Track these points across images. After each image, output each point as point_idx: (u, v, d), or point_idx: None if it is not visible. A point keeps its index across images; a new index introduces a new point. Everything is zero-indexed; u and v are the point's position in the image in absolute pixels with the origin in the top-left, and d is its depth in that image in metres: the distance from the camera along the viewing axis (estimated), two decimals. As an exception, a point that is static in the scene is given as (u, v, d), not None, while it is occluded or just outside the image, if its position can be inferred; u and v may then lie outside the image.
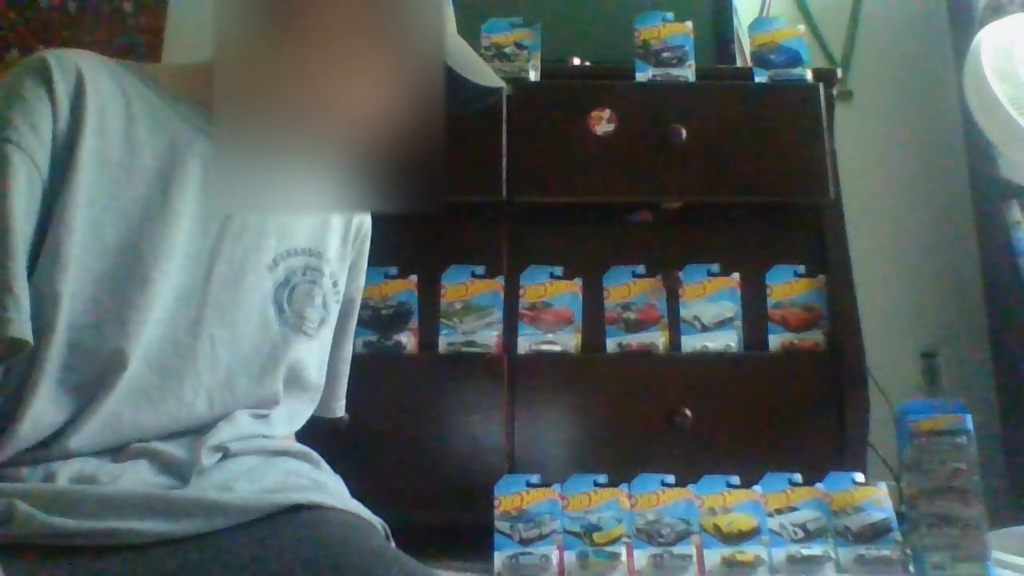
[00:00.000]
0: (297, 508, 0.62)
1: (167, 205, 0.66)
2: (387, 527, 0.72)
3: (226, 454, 0.68)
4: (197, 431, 0.67)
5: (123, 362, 0.62)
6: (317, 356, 0.80)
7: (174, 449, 0.65)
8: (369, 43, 0.68)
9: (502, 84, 0.82)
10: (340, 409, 0.92)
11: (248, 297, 0.71)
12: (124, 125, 0.66)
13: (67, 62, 0.64)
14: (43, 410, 0.60)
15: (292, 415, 0.78)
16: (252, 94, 0.67)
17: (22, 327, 0.57)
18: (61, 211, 0.61)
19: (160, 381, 0.65)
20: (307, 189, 0.72)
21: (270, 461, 0.71)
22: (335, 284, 0.81)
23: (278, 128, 0.68)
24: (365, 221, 0.90)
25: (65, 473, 0.60)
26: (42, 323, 0.59)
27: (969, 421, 1.12)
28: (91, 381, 0.62)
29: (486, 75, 0.78)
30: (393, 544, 0.69)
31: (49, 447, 0.61)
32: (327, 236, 0.81)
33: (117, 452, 0.64)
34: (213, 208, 0.69)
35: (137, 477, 0.62)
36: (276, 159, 0.68)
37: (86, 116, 0.63)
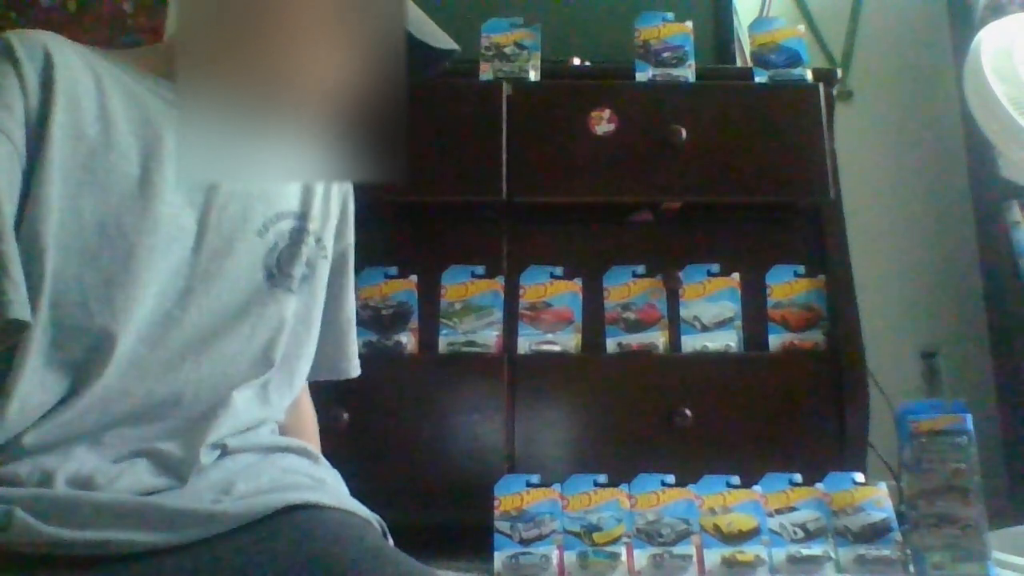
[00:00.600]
0: (292, 508, 0.62)
1: (147, 179, 0.65)
2: (384, 524, 0.71)
3: (224, 451, 0.68)
4: (190, 407, 0.67)
5: (112, 340, 0.62)
6: (303, 310, 0.78)
7: (172, 448, 0.65)
8: (330, 10, 0.69)
9: (456, 47, 0.82)
10: (354, 368, 0.90)
11: (237, 264, 0.70)
12: (96, 99, 0.65)
13: (31, 40, 0.64)
14: (30, 390, 0.59)
15: (290, 376, 0.77)
16: (214, 63, 0.67)
17: (21, 308, 0.56)
18: (37, 187, 0.60)
19: (149, 352, 0.64)
20: (272, 158, 0.72)
21: (268, 458, 0.71)
22: (319, 242, 0.80)
23: (241, 97, 0.68)
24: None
25: (63, 474, 0.59)
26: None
27: (969, 421, 1.12)
28: (80, 360, 0.61)
29: (441, 38, 0.79)
30: (391, 541, 0.69)
31: (40, 428, 0.60)
32: (310, 198, 0.80)
33: (114, 451, 0.63)
34: (187, 183, 0.68)
35: (135, 479, 0.62)
36: (240, 128, 0.68)
37: (56, 90, 0.62)
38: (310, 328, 0.80)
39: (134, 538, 0.57)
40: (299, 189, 0.79)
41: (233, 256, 0.70)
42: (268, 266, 0.73)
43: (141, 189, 0.65)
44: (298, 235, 0.76)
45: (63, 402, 0.61)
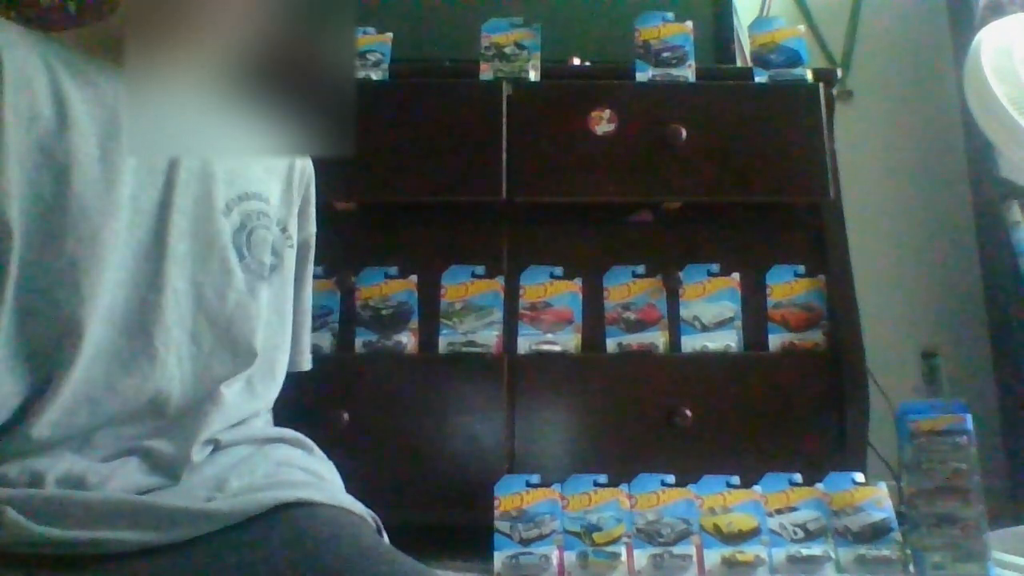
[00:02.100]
0: (286, 506, 0.62)
1: (106, 159, 0.64)
2: (378, 520, 0.71)
3: (216, 447, 0.67)
4: (180, 408, 0.66)
5: (80, 327, 0.61)
6: (276, 301, 0.78)
7: (164, 446, 0.64)
8: None
9: None
10: (306, 362, 0.90)
11: (204, 245, 0.70)
12: (48, 81, 0.64)
13: None
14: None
15: (272, 367, 0.77)
16: (160, 38, 0.67)
17: None
18: None
19: (129, 341, 0.64)
20: (222, 132, 0.72)
21: (261, 450, 0.71)
22: (284, 230, 0.79)
23: (187, 71, 0.68)
24: (308, 165, 0.87)
25: (53, 475, 0.59)
26: None
27: (969, 421, 1.12)
28: (50, 348, 0.60)
29: None
30: (386, 538, 0.69)
31: (23, 425, 0.59)
32: (270, 182, 0.79)
33: (105, 450, 0.63)
34: (143, 160, 0.67)
35: (127, 479, 0.61)
36: (188, 102, 0.68)
37: (3, 76, 0.60)
38: (284, 318, 0.80)
39: (126, 537, 0.56)
40: (261, 173, 0.78)
41: (199, 237, 0.69)
42: (238, 246, 0.72)
43: (102, 171, 0.64)
44: (263, 219, 0.75)
45: (42, 396, 0.60)
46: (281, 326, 0.79)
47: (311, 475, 0.71)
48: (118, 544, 0.56)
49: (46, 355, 0.61)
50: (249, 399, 0.73)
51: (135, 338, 0.64)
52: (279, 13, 0.69)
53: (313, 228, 0.89)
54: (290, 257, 0.80)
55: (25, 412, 0.60)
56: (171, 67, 0.68)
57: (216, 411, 0.68)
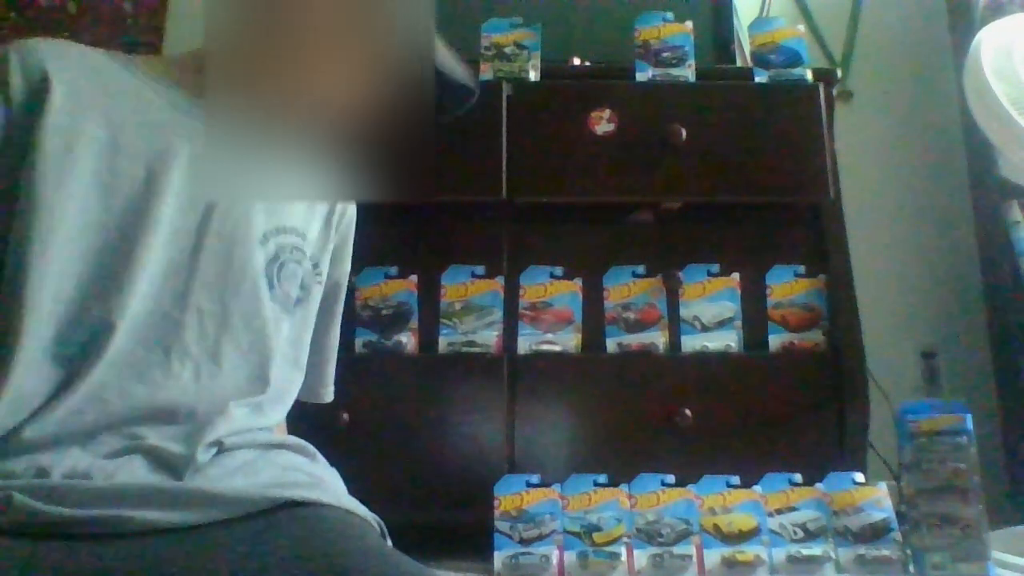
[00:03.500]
0: (293, 504, 0.62)
1: (152, 182, 0.67)
2: (383, 524, 0.72)
3: (221, 448, 0.68)
4: (188, 418, 0.67)
5: (109, 330, 0.63)
6: (294, 334, 0.80)
7: (169, 444, 0.65)
8: (358, 32, 0.70)
9: (476, 88, 0.84)
10: (328, 395, 0.94)
11: (238, 271, 0.71)
12: (103, 104, 0.67)
13: (30, 55, 0.66)
14: (23, 382, 0.60)
15: (281, 395, 0.78)
16: (243, 82, 0.68)
17: None
18: (28, 186, 0.62)
19: (146, 353, 0.65)
20: (294, 177, 0.73)
21: (266, 455, 0.71)
22: (316, 266, 0.81)
23: (268, 116, 0.69)
24: (349, 207, 0.90)
25: (59, 470, 0.60)
26: (23, 296, 0.61)
27: (969, 421, 1.12)
28: (75, 353, 0.63)
29: (465, 75, 0.81)
30: (389, 542, 0.69)
31: (31, 422, 0.61)
32: (311, 218, 0.81)
33: (110, 448, 0.63)
34: (199, 191, 0.69)
35: (132, 475, 0.62)
36: (265, 147, 0.69)
37: (50, 97, 0.64)
38: (300, 353, 0.81)
39: (135, 516, 0.57)
40: (302, 209, 0.80)
41: (233, 263, 0.71)
42: (269, 277, 0.74)
43: (145, 192, 0.66)
44: (296, 253, 0.77)
45: (57, 396, 0.61)
46: (297, 360, 0.81)
47: (315, 480, 0.72)
48: (128, 523, 0.57)
49: (72, 359, 0.63)
50: (257, 419, 0.74)
51: (152, 351, 0.66)
52: (358, 59, 0.70)
53: (347, 268, 0.91)
54: (317, 292, 0.82)
55: (37, 412, 0.61)
56: (250, 107, 0.69)
57: (223, 422, 0.69)
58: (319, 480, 0.72)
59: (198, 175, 0.69)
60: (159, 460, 0.64)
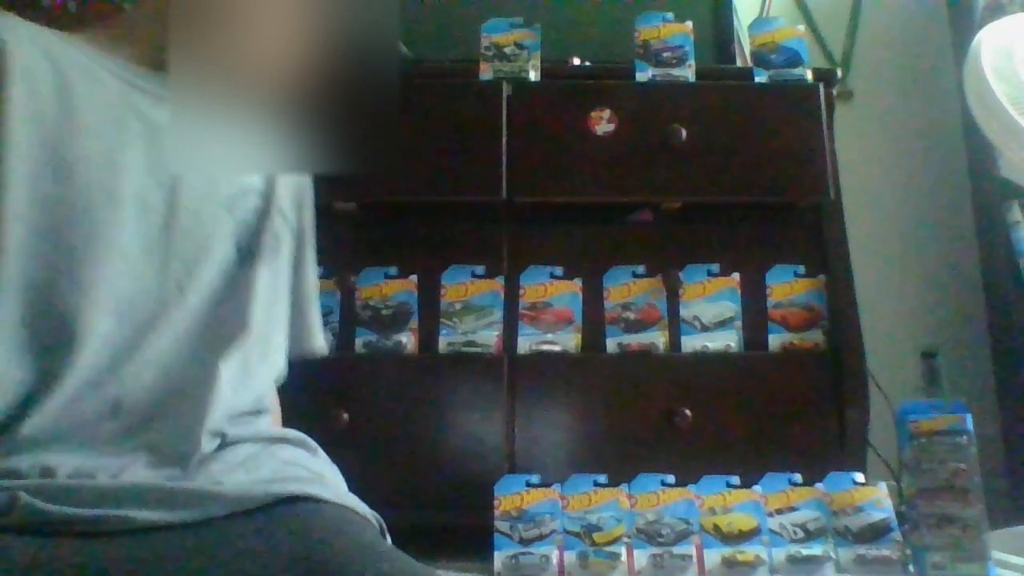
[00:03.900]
0: (293, 499, 0.63)
1: (112, 159, 0.66)
2: (382, 522, 0.72)
3: (224, 441, 0.68)
4: (180, 392, 0.67)
5: (80, 317, 0.62)
6: (271, 283, 0.79)
7: (171, 440, 0.65)
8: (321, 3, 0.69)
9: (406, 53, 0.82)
10: (319, 343, 0.90)
11: (209, 240, 0.72)
12: (55, 81, 0.65)
13: None
14: (3, 369, 0.60)
15: (265, 347, 0.78)
16: (206, 56, 0.68)
17: None
18: None
19: (132, 331, 0.65)
20: (256, 150, 0.72)
21: (268, 449, 0.72)
22: (284, 217, 0.81)
23: (230, 88, 0.69)
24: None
25: (64, 470, 0.60)
26: None
27: (969, 421, 1.12)
28: (51, 338, 0.62)
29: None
30: (389, 540, 0.69)
31: (28, 416, 0.60)
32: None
33: (114, 445, 0.64)
34: (161, 166, 0.69)
35: (137, 473, 0.63)
36: (227, 118, 0.69)
37: (9, 74, 0.62)
38: (279, 298, 0.80)
39: (137, 515, 0.58)
40: None
41: (205, 232, 0.71)
42: (238, 239, 0.74)
43: (107, 169, 0.65)
44: (265, 209, 0.77)
45: (46, 385, 0.61)
46: (277, 305, 0.80)
47: (315, 475, 0.72)
48: (130, 521, 0.57)
49: (49, 345, 0.62)
50: (245, 380, 0.73)
51: (138, 328, 0.66)
52: (322, 28, 0.70)
53: (311, 214, 0.90)
54: (287, 239, 0.82)
55: (30, 403, 0.61)
56: (213, 77, 0.69)
57: (213, 396, 0.68)
58: (319, 475, 0.72)
59: (159, 150, 0.68)
60: (164, 456, 0.65)
